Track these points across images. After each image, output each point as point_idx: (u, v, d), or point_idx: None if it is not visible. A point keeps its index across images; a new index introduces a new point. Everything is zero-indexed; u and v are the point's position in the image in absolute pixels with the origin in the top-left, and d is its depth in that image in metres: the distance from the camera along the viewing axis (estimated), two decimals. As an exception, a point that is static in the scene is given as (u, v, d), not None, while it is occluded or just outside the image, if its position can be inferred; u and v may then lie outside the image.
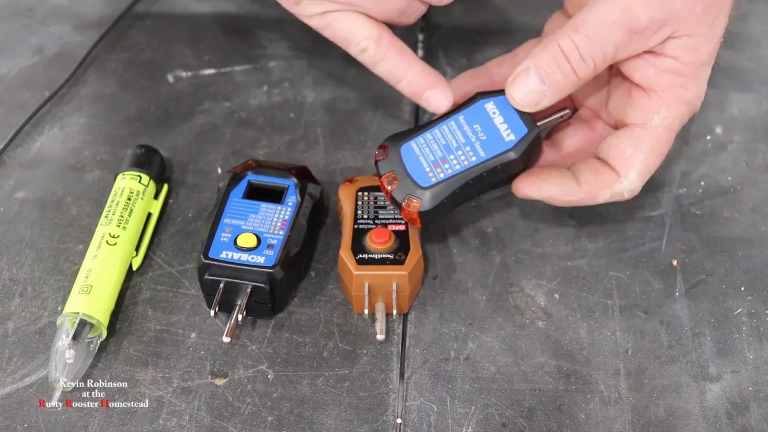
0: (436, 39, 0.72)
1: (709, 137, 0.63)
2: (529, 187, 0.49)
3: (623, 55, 0.44)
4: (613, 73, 0.50)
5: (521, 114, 0.47)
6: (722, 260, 0.54)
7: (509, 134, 0.47)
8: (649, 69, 0.46)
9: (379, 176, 0.48)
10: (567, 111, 0.49)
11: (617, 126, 0.50)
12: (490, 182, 0.48)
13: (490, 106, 0.48)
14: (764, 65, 0.69)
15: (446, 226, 0.56)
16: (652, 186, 0.59)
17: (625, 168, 0.47)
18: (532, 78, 0.45)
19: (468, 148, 0.47)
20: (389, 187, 0.48)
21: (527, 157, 0.47)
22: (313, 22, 0.46)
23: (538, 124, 0.48)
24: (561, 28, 0.44)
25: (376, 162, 0.49)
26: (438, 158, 0.47)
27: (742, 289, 0.52)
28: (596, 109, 0.52)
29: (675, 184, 0.59)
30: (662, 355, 0.49)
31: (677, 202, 0.58)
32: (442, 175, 0.47)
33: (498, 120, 0.47)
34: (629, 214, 0.57)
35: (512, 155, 0.47)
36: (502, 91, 0.47)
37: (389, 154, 0.48)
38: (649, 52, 0.45)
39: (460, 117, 0.48)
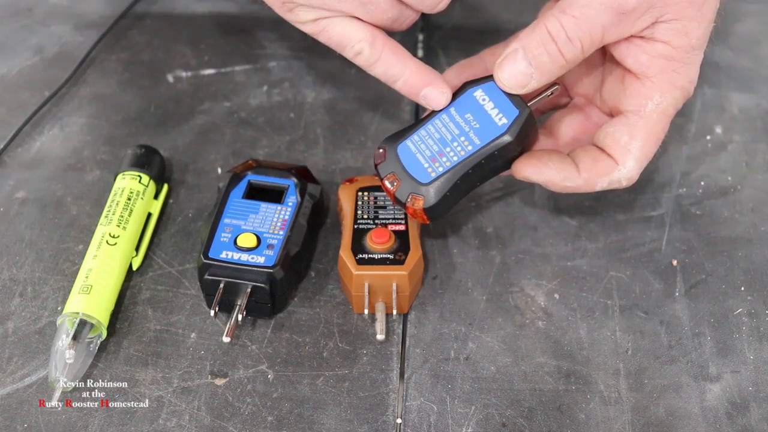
0: (436, 39, 0.72)
1: (709, 137, 0.63)
2: (529, 169, 0.49)
3: (611, 37, 0.44)
4: (606, 60, 0.50)
5: (511, 96, 0.47)
6: (722, 260, 0.54)
7: (501, 118, 0.47)
8: (641, 55, 0.46)
9: (381, 179, 0.48)
10: (557, 86, 0.49)
11: (612, 113, 0.50)
12: (490, 169, 0.48)
13: (479, 93, 0.48)
14: (764, 65, 0.69)
15: (446, 226, 0.56)
16: (652, 186, 0.59)
17: (622, 156, 0.47)
18: (519, 60, 0.45)
19: (463, 139, 0.47)
20: (391, 188, 0.48)
21: (522, 138, 0.47)
22: (307, 28, 0.47)
23: (529, 103, 0.48)
24: (549, 11, 0.45)
25: (376, 165, 0.49)
26: (435, 153, 0.47)
27: (742, 289, 0.52)
28: (591, 97, 0.53)
29: (675, 184, 0.59)
30: (662, 355, 0.49)
31: (677, 202, 0.58)
32: (441, 169, 0.47)
33: (488, 106, 0.47)
34: (629, 214, 0.57)
35: (507, 138, 0.47)
36: (489, 78, 0.47)
37: (387, 155, 0.48)
38: (640, 37, 0.45)
39: (451, 109, 0.48)
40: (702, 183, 0.59)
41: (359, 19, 0.46)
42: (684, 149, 0.62)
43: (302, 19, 0.46)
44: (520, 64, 0.45)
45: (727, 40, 0.71)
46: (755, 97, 0.66)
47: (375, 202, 0.53)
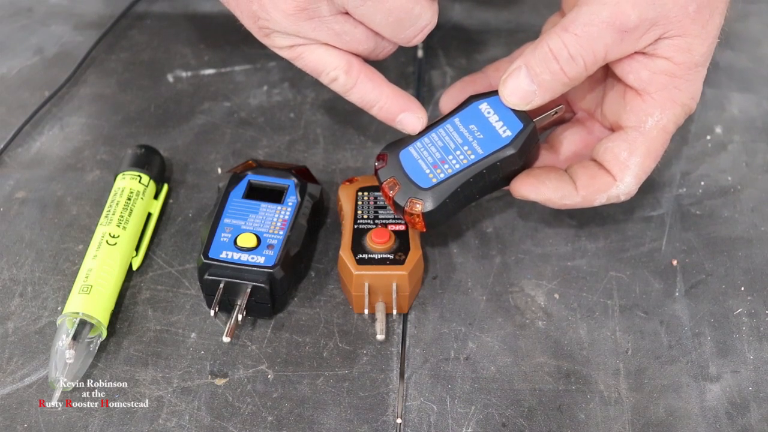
0: (436, 39, 0.72)
1: (709, 137, 0.63)
2: (526, 188, 0.49)
3: (614, 55, 0.44)
4: (608, 75, 0.50)
5: (516, 111, 0.47)
6: (722, 260, 0.54)
7: (505, 130, 0.47)
8: (642, 71, 0.45)
9: (380, 184, 0.48)
10: (561, 106, 0.49)
11: (613, 128, 0.50)
12: (491, 180, 0.48)
13: (484, 106, 0.48)
14: (764, 65, 0.69)
15: (446, 226, 0.56)
16: (652, 186, 0.59)
17: (620, 171, 0.47)
18: (522, 78, 0.45)
19: (466, 148, 0.47)
20: (391, 193, 0.48)
21: (525, 151, 0.48)
22: (284, 54, 0.47)
23: (534, 120, 0.48)
24: (552, 28, 0.45)
25: (376, 171, 0.49)
26: (437, 159, 0.48)
27: (742, 289, 0.52)
28: (593, 112, 0.52)
29: (675, 184, 0.59)
30: (662, 355, 0.49)
31: (677, 202, 0.58)
32: (442, 176, 0.47)
33: (493, 118, 0.47)
34: (629, 214, 0.57)
35: (510, 150, 0.47)
36: (494, 92, 0.48)
37: (388, 161, 0.48)
38: (642, 53, 0.45)
39: (456, 119, 0.48)
40: (702, 183, 0.59)
41: (335, 46, 0.46)
42: (684, 149, 0.62)
43: (278, 44, 0.46)
44: (523, 82, 0.45)
45: (727, 40, 0.71)
46: (755, 97, 0.66)
47: (375, 202, 0.53)
